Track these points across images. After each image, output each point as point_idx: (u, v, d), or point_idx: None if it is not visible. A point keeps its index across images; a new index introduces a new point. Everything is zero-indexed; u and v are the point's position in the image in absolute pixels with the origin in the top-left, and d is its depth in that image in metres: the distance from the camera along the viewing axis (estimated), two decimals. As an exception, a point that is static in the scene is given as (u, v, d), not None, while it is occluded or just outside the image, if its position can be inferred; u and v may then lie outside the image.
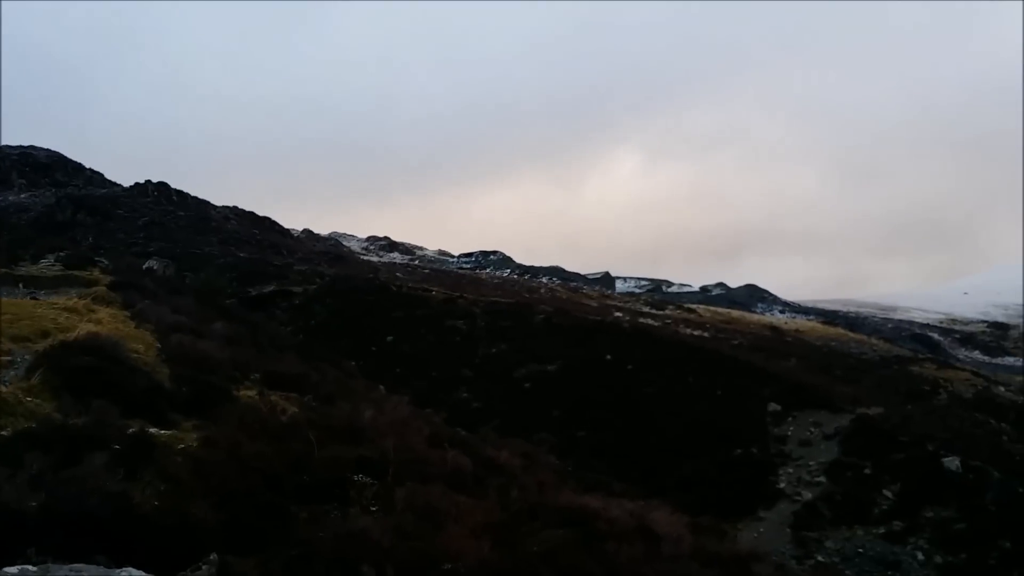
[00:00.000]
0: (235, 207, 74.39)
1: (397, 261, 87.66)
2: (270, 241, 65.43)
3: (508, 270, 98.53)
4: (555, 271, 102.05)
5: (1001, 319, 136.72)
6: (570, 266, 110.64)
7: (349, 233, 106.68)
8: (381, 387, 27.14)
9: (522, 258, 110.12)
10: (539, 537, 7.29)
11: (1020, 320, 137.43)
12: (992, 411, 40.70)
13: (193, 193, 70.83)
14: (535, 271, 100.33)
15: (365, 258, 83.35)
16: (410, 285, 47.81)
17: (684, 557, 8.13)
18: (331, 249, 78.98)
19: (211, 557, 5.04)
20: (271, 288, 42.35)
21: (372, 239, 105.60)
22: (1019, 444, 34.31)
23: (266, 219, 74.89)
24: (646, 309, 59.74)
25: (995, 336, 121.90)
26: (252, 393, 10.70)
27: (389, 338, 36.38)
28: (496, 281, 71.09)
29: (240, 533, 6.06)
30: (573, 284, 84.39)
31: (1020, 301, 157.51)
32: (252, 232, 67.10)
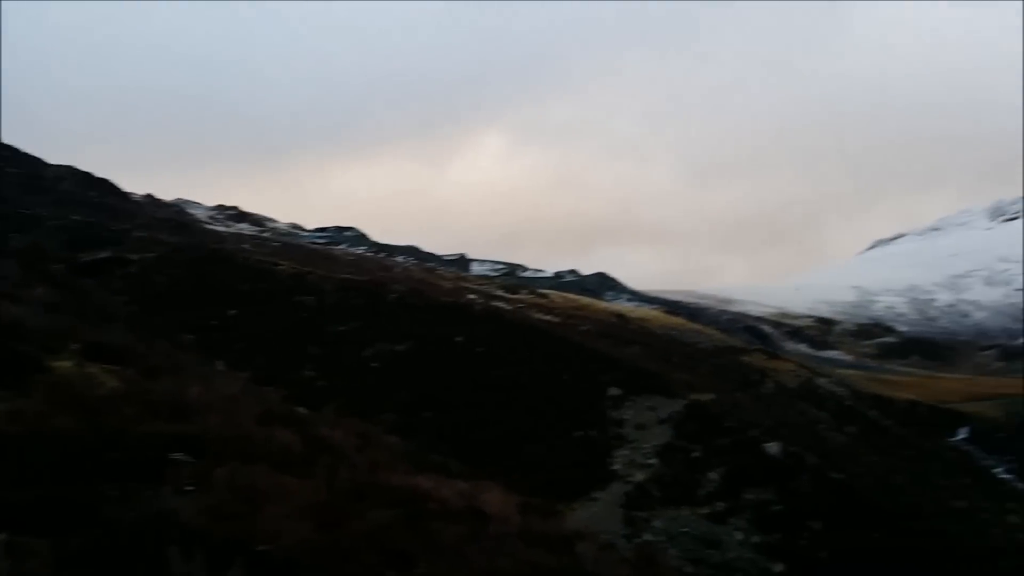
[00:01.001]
0: (71, 167, 69.59)
1: (246, 232, 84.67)
2: (108, 204, 61.71)
3: (363, 248, 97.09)
4: (411, 251, 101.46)
5: (828, 315, 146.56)
6: (428, 246, 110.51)
7: (195, 200, 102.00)
8: (220, 363, 26.17)
9: (379, 236, 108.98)
10: (365, 517, 7.22)
11: (844, 316, 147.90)
12: (813, 401, 43.69)
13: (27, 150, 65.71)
14: (391, 250, 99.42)
15: (211, 227, 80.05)
16: (257, 258, 46.33)
17: (511, 536, 8.26)
18: (175, 216, 75.36)
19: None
20: (106, 254, 39.97)
21: (220, 208, 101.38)
22: (835, 432, 37.03)
23: (104, 181, 70.46)
24: (499, 293, 60.35)
25: (821, 330, 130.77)
26: (69, 364, 10.04)
27: (232, 312, 35.13)
28: (350, 258, 69.90)
29: (40, 512, 5.70)
30: (429, 265, 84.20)
31: (846, 298, 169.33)
32: (88, 194, 63.08)
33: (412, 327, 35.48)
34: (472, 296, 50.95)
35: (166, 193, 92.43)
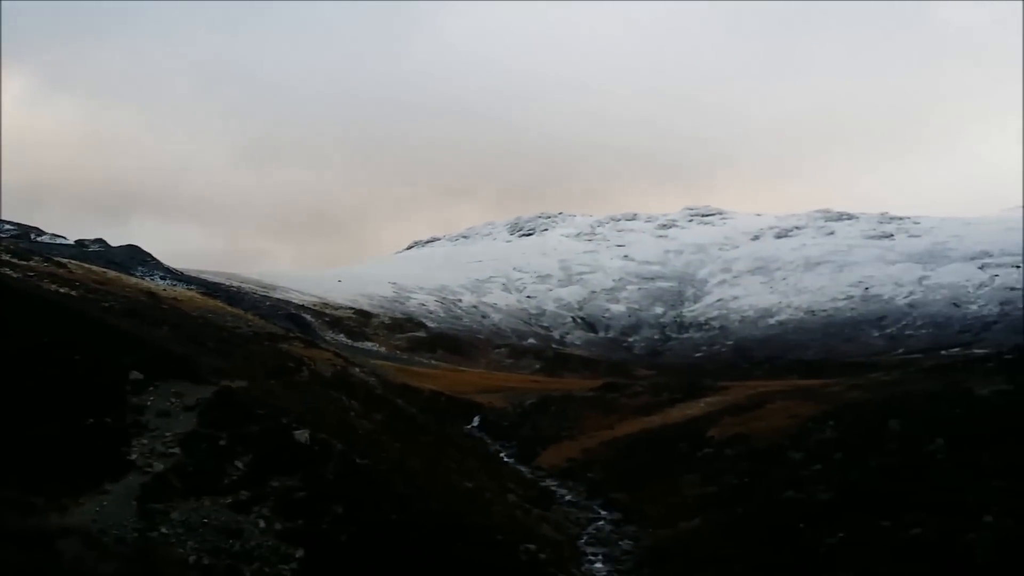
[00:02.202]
0: None
1: None
2: None
3: None
4: None
5: (367, 307, 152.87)
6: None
7: None
8: None
9: None
10: None
11: (382, 310, 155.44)
12: (345, 389, 44.69)
13: None
14: None
15: None
16: None
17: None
18: None
19: None
20: None
21: None
22: (364, 419, 38.16)
23: None
24: (6, 257, 52.24)
25: (359, 322, 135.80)
26: None
27: None
28: None
29: None
30: (-88, 219, 70.10)
31: (385, 293, 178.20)
32: None
33: None
34: (-32, 259, 43.34)
35: None
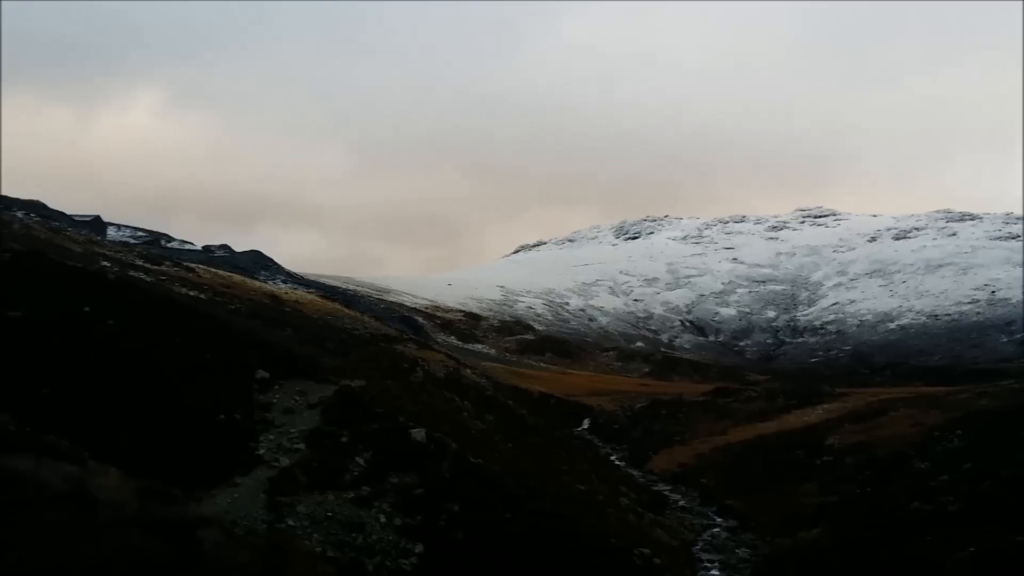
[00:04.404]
0: None
1: None
2: None
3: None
4: (35, 206, 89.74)
5: (476, 310, 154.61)
6: (59, 204, 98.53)
7: None
8: None
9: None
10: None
11: (490, 313, 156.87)
12: (458, 390, 45.40)
13: None
14: (8, 202, 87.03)
15: None
16: None
17: (124, 523, 7.18)
18: None
19: None
20: None
21: None
22: (476, 420, 38.70)
23: None
24: (140, 262, 55.37)
25: (469, 325, 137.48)
26: None
27: None
28: (-44, 209, 60.07)
29: None
30: (56, 224, 74.99)
31: (493, 297, 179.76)
32: None
33: (30, 292, 31.04)
34: (106, 263, 46.13)
35: None
